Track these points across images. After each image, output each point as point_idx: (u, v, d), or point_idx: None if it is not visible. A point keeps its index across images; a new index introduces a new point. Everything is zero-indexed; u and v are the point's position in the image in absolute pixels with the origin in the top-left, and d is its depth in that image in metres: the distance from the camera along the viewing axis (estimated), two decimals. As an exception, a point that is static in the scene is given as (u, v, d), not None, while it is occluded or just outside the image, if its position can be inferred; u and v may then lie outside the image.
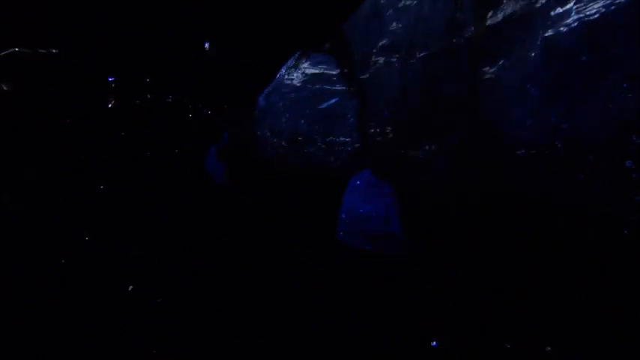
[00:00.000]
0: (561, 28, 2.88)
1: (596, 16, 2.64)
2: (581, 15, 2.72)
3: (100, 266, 4.33)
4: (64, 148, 6.13)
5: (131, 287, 3.68)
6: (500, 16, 3.51)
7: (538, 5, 3.15)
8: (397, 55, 4.52)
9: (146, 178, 6.41)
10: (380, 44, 4.77)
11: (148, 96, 5.95)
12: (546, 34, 2.97)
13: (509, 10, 3.44)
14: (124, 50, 5.70)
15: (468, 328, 3.10)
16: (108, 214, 5.49)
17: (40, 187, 5.65)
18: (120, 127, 6.17)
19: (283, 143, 5.53)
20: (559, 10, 2.96)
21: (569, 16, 2.85)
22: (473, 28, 3.67)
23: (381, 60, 4.60)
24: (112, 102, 5.84)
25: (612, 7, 2.57)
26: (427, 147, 4.14)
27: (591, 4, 2.69)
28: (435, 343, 2.97)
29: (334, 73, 5.32)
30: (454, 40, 3.88)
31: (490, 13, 3.62)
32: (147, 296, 3.87)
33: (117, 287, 3.98)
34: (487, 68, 3.67)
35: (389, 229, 4.21)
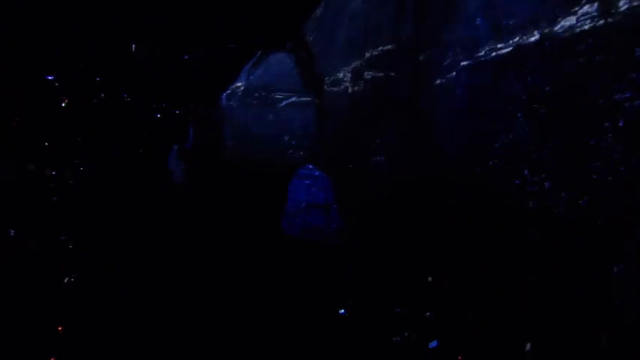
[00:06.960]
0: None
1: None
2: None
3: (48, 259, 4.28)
4: (20, 148, 6.03)
5: (69, 278, 3.64)
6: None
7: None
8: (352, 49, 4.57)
9: (108, 176, 6.34)
10: (336, 42, 4.84)
11: (102, 94, 5.90)
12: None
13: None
14: (92, 48, 5.65)
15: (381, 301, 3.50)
16: (67, 212, 5.42)
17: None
18: (83, 125, 6.10)
19: (242, 142, 5.55)
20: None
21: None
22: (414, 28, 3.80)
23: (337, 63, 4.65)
24: (75, 100, 5.78)
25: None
26: (367, 141, 4.24)
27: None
28: (342, 310, 3.34)
29: (292, 73, 5.37)
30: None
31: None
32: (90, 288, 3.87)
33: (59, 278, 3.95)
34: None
35: (328, 219, 4.32)
